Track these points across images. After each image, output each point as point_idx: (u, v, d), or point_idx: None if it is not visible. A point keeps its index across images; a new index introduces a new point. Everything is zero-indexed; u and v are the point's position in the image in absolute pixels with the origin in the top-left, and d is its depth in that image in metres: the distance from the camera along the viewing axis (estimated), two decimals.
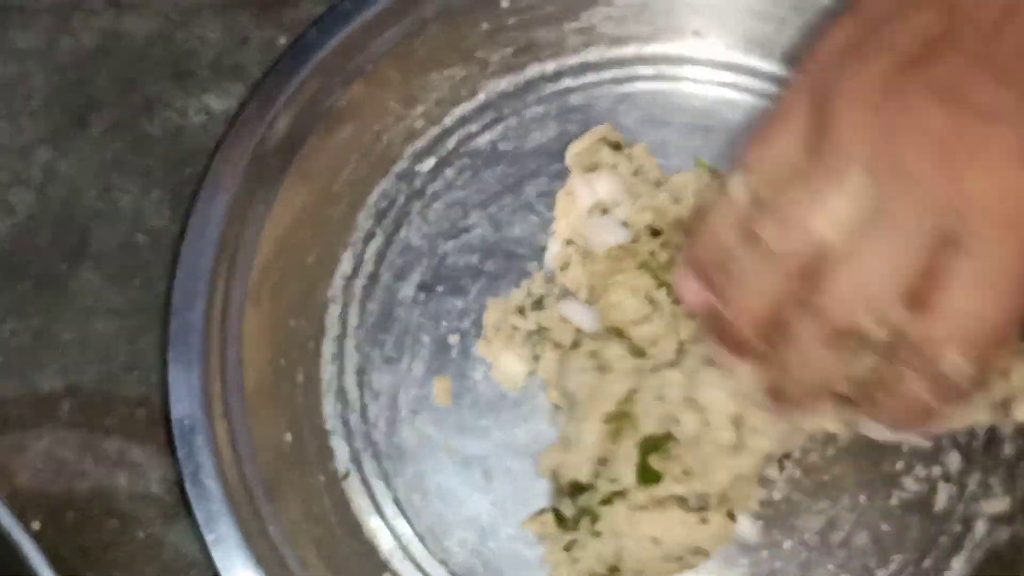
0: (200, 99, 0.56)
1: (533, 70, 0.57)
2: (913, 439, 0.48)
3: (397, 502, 0.51)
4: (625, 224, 0.50)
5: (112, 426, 0.51)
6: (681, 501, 0.45)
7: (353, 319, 0.54)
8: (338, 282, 0.54)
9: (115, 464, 0.51)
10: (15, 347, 0.53)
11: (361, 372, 0.53)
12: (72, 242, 0.54)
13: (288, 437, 0.50)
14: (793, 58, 0.55)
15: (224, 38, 0.57)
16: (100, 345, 0.53)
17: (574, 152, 0.54)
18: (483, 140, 0.56)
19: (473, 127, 0.56)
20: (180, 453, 0.46)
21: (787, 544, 0.49)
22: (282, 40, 0.57)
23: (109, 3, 0.58)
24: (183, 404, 0.47)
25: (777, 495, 0.49)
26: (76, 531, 0.50)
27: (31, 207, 0.55)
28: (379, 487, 0.51)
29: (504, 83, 0.57)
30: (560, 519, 0.47)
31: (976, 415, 0.41)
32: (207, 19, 0.58)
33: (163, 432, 0.51)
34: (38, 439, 0.51)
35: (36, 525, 0.50)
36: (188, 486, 0.46)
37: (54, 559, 0.40)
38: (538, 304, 0.52)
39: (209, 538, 0.45)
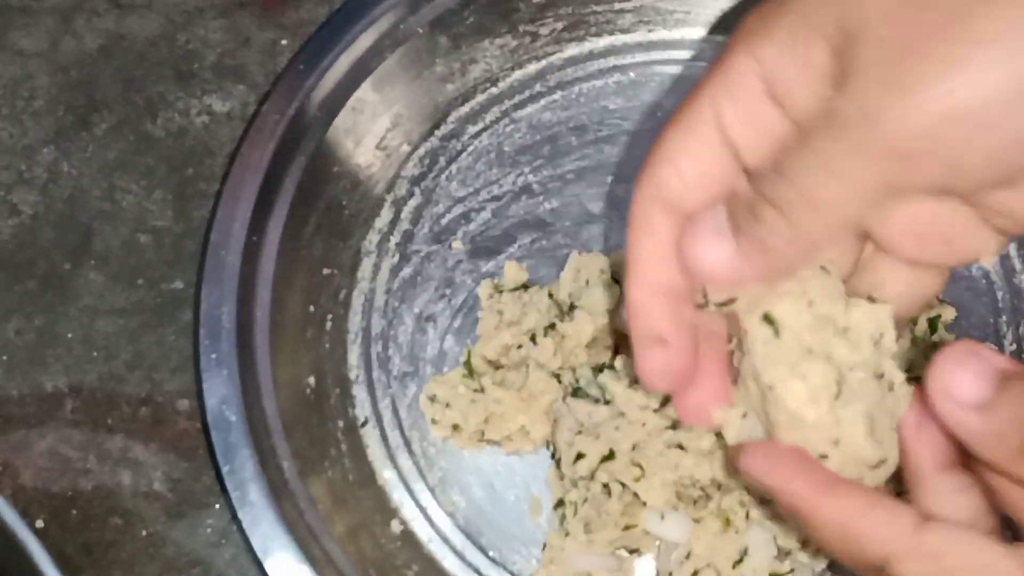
0: (202, 100, 0.57)
1: (584, 46, 0.58)
2: None
3: (411, 453, 0.53)
4: None
5: (115, 425, 0.52)
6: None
7: (385, 273, 0.55)
8: (374, 236, 0.56)
9: (118, 462, 0.51)
10: (19, 346, 0.53)
11: (388, 325, 0.54)
12: (75, 242, 0.54)
13: (311, 380, 0.52)
14: None
15: (226, 39, 0.58)
16: (103, 344, 0.53)
17: None
18: (528, 111, 0.57)
19: (519, 97, 0.58)
20: (204, 385, 0.48)
21: None
22: (284, 41, 0.57)
23: (112, 4, 0.58)
24: (211, 338, 0.49)
25: None
26: (79, 529, 0.50)
27: (34, 207, 0.55)
28: (395, 437, 0.53)
29: (554, 57, 0.58)
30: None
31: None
32: (209, 20, 0.58)
33: (166, 430, 0.52)
34: (42, 437, 0.51)
35: (40, 523, 0.50)
36: (209, 417, 0.48)
37: (58, 557, 0.40)
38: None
39: (225, 469, 0.47)
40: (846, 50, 0.30)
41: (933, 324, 0.52)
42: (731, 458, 0.43)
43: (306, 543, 0.47)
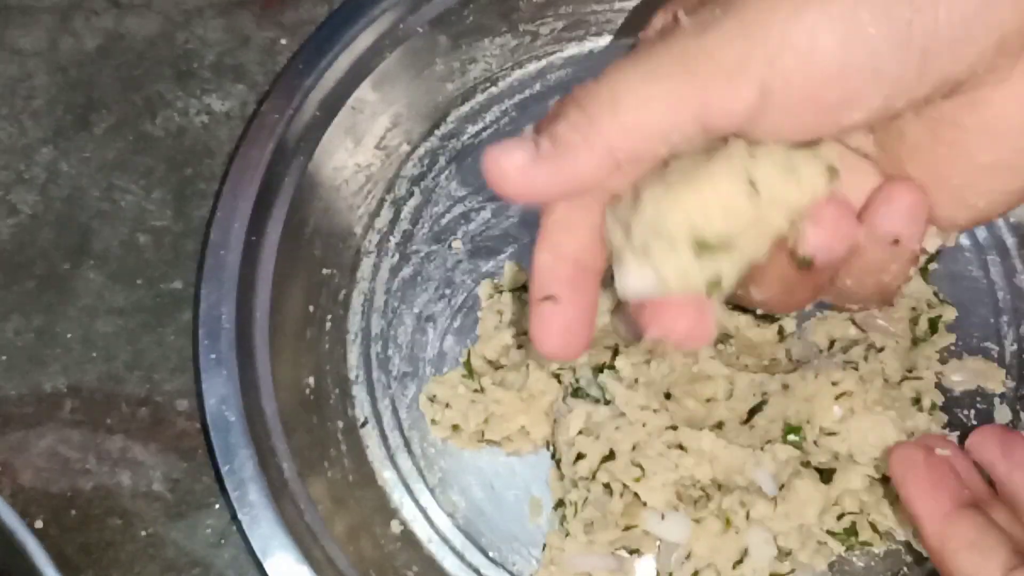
0: (201, 99, 0.57)
1: (584, 45, 0.58)
2: None
3: (411, 454, 0.53)
4: None
5: (114, 425, 0.52)
6: None
7: (384, 273, 0.55)
8: (374, 236, 0.56)
9: (117, 463, 0.51)
10: (18, 346, 0.53)
11: (388, 325, 0.54)
12: (74, 242, 0.54)
13: (311, 380, 0.52)
14: None
15: (225, 38, 0.57)
16: (102, 344, 0.53)
17: None
18: (528, 110, 0.57)
19: (520, 97, 0.58)
20: (204, 385, 0.48)
21: None
22: (283, 40, 0.57)
23: (111, 4, 0.58)
24: (210, 338, 0.48)
25: None
26: (79, 529, 0.50)
27: (33, 207, 0.55)
28: (395, 438, 0.53)
29: (554, 56, 0.58)
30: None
31: None
32: (208, 20, 0.58)
33: (166, 431, 0.52)
34: (41, 438, 0.51)
35: (39, 523, 0.50)
36: (208, 417, 0.47)
37: (57, 557, 0.40)
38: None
39: (224, 469, 0.47)
40: None
41: (934, 324, 0.52)
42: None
43: (306, 543, 0.47)
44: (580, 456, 0.48)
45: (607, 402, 0.49)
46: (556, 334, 0.34)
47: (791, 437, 0.49)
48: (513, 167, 0.32)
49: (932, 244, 0.36)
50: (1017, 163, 0.32)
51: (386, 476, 0.52)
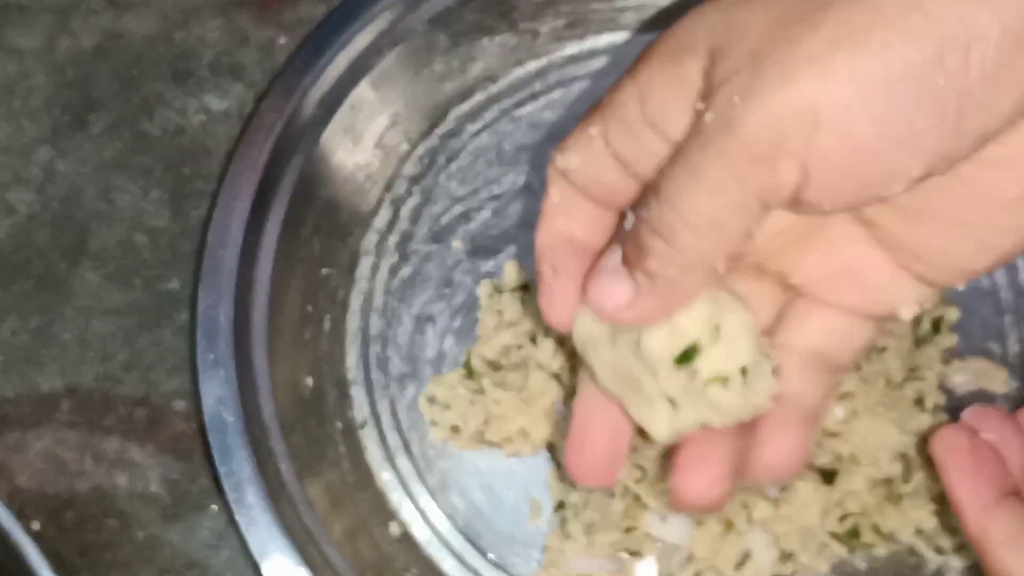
0: (200, 99, 0.56)
1: (584, 44, 0.58)
2: None
3: (410, 455, 0.52)
4: None
5: (111, 426, 0.51)
6: None
7: (383, 273, 0.55)
8: (372, 236, 0.55)
9: (114, 464, 0.51)
10: (14, 347, 0.53)
11: (387, 326, 0.54)
12: (72, 242, 0.54)
13: (309, 381, 0.52)
14: None
15: (224, 38, 0.57)
16: (100, 345, 0.53)
17: None
18: (528, 110, 0.57)
19: (519, 96, 0.57)
20: (202, 386, 0.48)
21: None
22: (282, 40, 0.57)
23: (108, 3, 0.58)
24: (208, 339, 0.48)
25: None
26: (76, 531, 0.50)
27: (31, 207, 0.55)
28: (394, 439, 0.53)
29: (554, 55, 0.57)
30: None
31: None
32: (206, 19, 0.57)
33: (163, 432, 0.51)
34: (38, 439, 0.51)
35: (36, 525, 0.50)
36: (206, 417, 0.47)
37: (54, 559, 0.40)
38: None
39: (222, 470, 0.47)
40: (714, 65, 0.30)
41: (936, 325, 0.52)
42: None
43: (304, 545, 0.46)
44: None
45: None
46: (559, 304, 0.36)
47: None
48: (621, 308, 0.34)
49: (909, 312, 0.35)
50: None
51: (385, 477, 0.52)
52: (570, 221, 0.36)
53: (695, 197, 0.31)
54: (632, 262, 0.33)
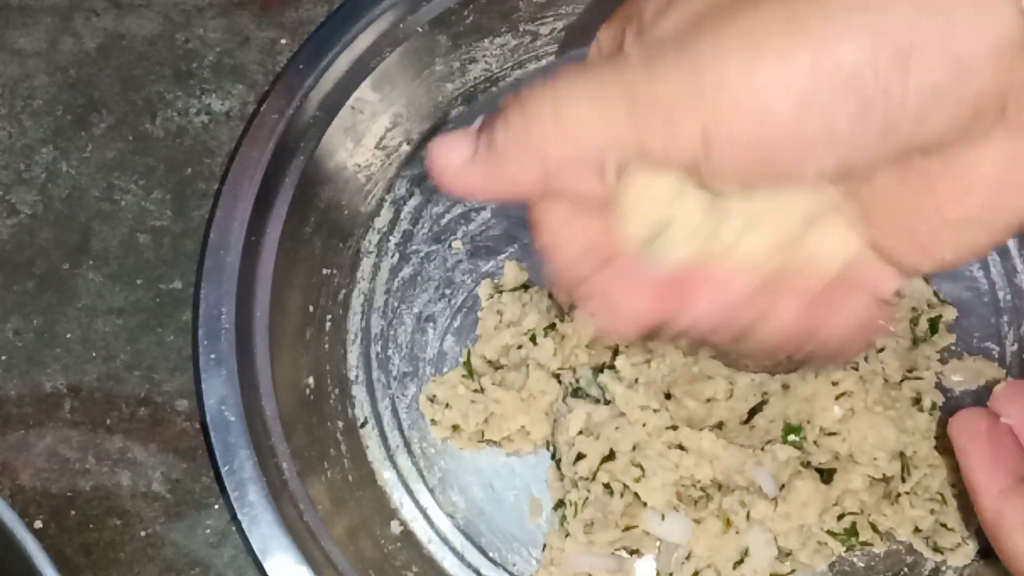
0: (201, 99, 0.57)
1: (585, 46, 0.57)
2: None
3: (411, 454, 0.53)
4: None
5: (114, 425, 0.52)
6: None
7: (384, 273, 0.55)
8: (373, 236, 0.56)
9: (117, 463, 0.51)
10: (18, 346, 0.53)
11: (388, 325, 0.54)
12: (74, 242, 0.54)
13: (310, 381, 0.52)
14: None
15: (225, 39, 0.57)
16: (102, 344, 0.53)
17: None
18: None
19: None
20: (203, 385, 0.48)
21: None
22: (283, 40, 0.57)
23: (111, 4, 0.58)
24: (210, 338, 0.49)
25: None
26: (78, 529, 0.50)
27: (33, 207, 0.55)
28: (394, 438, 0.53)
29: (553, 56, 0.58)
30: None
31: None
32: (208, 20, 0.58)
33: (165, 431, 0.52)
34: (40, 438, 0.51)
35: (39, 523, 0.50)
36: (208, 417, 0.48)
37: (56, 557, 0.40)
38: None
39: (224, 469, 0.47)
40: (659, 13, 0.30)
41: (934, 324, 0.52)
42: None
43: (305, 544, 0.47)
44: (580, 456, 0.48)
45: (607, 402, 0.49)
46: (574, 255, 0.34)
47: (791, 437, 0.49)
48: (451, 164, 0.32)
49: (888, 288, 0.34)
50: (987, 218, 0.30)
51: (386, 476, 0.52)
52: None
53: (579, 102, 0.29)
54: (487, 123, 0.31)
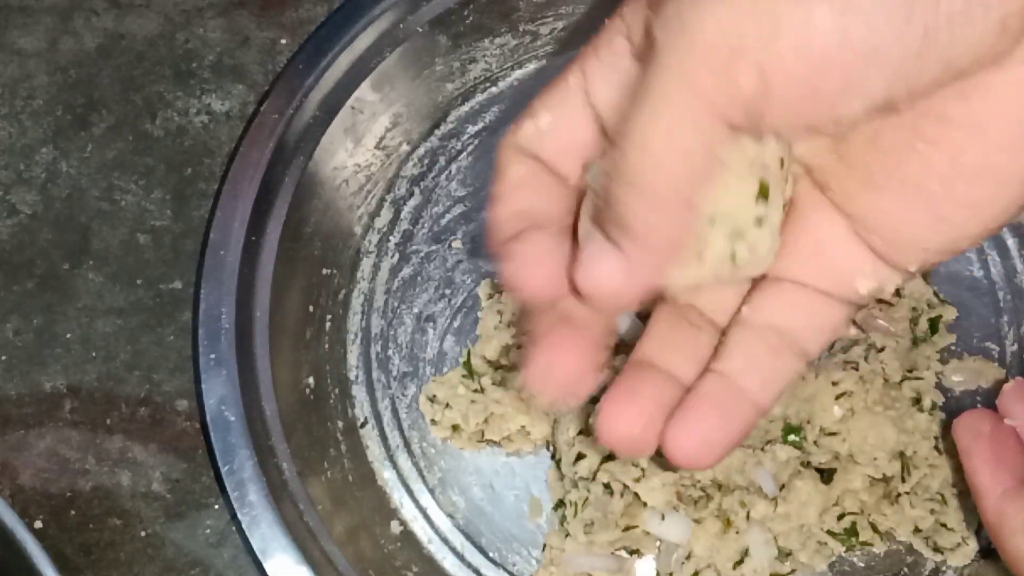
0: (201, 99, 0.57)
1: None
2: None
3: (411, 454, 0.53)
4: None
5: (114, 425, 0.52)
6: None
7: (384, 273, 0.55)
8: (374, 236, 0.56)
9: (117, 463, 0.51)
10: (18, 346, 0.53)
11: (388, 325, 0.54)
12: (74, 242, 0.54)
13: (311, 380, 0.52)
14: None
15: (225, 39, 0.57)
16: (102, 344, 0.53)
17: None
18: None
19: (520, 97, 0.57)
20: (204, 385, 0.48)
21: None
22: (283, 40, 0.57)
23: (111, 4, 0.58)
24: (210, 338, 0.49)
25: None
26: (78, 530, 0.50)
27: (33, 207, 0.55)
28: (394, 438, 0.53)
29: (554, 56, 0.58)
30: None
31: None
32: (208, 20, 0.58)
33: (165, 431, 0.52)
34: (40, 438, 0.51)
35: (38, 523, 0.50)
36: (208, 417, 0.48)
37: (56, 557, 0.40)
38: None
39: (224, 469, 0.47)
40: None
41: (934, 324, 0.52)
42: None
43: (305, 544, 0.47)
44: (580, 456, 0.48)
45: None
46: (533, 264, 0.33)
47: (791, 437, 0.49)
48: (615, 282, 0.30)
49: (865, 285, 0.34)
50: (1003, 167, 0.30)
51: (386, 476, 0.52)
52: (532, 196, 0.33)
53: (655, 125, 0.28)
54: (605, 220, 0.30)
